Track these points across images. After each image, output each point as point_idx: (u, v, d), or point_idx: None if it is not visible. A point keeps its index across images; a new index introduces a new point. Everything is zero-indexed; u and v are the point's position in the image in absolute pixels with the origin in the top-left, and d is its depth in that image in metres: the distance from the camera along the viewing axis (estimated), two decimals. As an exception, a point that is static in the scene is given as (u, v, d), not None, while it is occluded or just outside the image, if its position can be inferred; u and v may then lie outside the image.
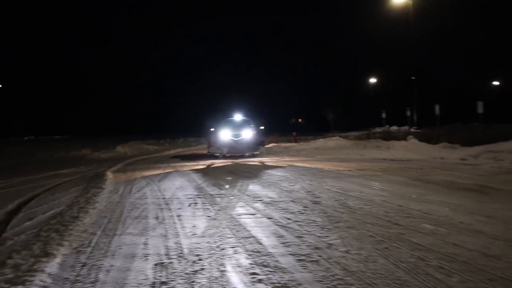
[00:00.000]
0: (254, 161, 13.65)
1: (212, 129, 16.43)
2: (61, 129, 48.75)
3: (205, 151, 17.41)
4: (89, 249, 3.71)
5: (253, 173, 9.81)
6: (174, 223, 4.79)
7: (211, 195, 6.73)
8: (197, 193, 6.95)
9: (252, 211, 5.39)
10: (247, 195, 6.60)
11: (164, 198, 6.51)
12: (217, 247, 3.66)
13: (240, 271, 2.98)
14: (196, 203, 6.01)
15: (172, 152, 20.01)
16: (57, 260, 3.32)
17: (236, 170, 10.85)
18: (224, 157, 15.15)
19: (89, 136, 39.08)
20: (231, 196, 6.53)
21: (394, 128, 31.12)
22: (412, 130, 15.90)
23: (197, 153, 18.82)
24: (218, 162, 13.63)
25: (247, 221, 4.74)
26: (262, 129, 18.24)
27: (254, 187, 7.40)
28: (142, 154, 18.17)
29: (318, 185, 7.30)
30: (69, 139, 35.55)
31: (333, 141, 18.13)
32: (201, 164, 12.88)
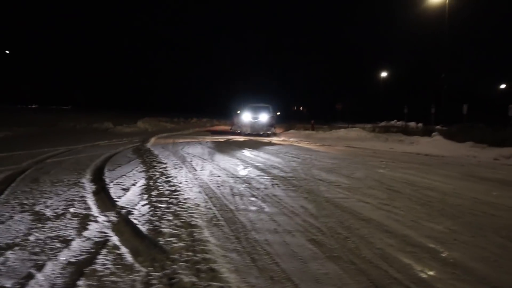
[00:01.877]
0: (266, 139, 17.10)
1: (237, 112, 21.37)
2: (65, 100, 47.94)
3: (222, 129, 22.82)
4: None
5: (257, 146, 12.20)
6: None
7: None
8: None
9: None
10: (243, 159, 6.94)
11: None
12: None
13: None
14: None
15: (191, 131, 20.13)
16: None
17: (245, 143, 14.03)
18: (244, 134, 19.51)
19: (94, 108, 38.58)
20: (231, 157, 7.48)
21: (400, 123, 31.35)
22: (438, 127, 16.09)
23: (216, 130, 23.05)
24: (236, 138, 17.25)
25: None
26: (278, 114, 23.68)
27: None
28: (162, 131, 18.22)
29: (375, 174, 7.46)
30: (75, 110, 35.04)
31: (354, 132, 18.31)
32: (222, 139, 16.24)
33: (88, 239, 3.23)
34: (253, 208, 4.56)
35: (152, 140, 13.69)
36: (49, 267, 2.63)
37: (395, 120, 32.43)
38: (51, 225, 3.55)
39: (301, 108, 48.10)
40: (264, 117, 20.07)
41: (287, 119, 27.78)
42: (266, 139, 16.69)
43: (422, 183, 6.66)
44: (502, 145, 12.68)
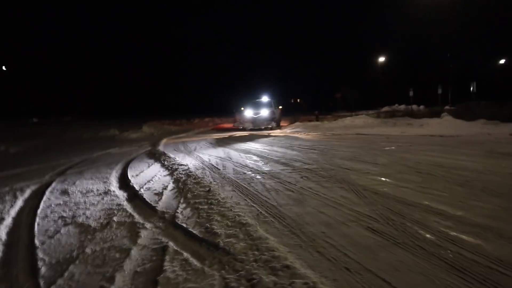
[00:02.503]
0: (265, 133, 17.47)
1: (240, 108, 21.89)
2: (63, 111, 47.63)
3: (225, 127, 23.93)
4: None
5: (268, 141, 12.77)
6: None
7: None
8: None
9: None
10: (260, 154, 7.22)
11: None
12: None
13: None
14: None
15: (196, 131, 20.13)
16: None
17: (254, 139, 14.16)
18: (246, 129, 20.16)
19: (94, 117, 38.43)
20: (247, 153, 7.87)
21: (402, 106, 31.33)
22: (447, 107, 16.00)
23: (220, 128, 24.33)
24: (241, 133, 17.92)
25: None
26: (280, 108, 23.56)
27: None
28: (168, 134, 18.12)
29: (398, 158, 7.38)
30: (74, 120, 34.88)
31: (360, 119, 18.21)
32: (228, 136, 16.70)
33: (145, 246, 3.13)
34: (294, 202, 4.47)
35: (162, 143, 13.58)
36: (119, 278, 2.53)
37: (396, 104, 32.38)
38: (101, 235, 3.46)
39: (298, 100, 47.99)
40: (265, 112, 20.74)
41: (291, 112, 27.65)
42: (273, 133, 16.59)
43: (450, 164, 6.58)
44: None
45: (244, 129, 20.37)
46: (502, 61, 40.90)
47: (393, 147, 9.33)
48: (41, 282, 2.56)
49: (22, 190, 5.74)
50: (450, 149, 8.63)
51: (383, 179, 5.59)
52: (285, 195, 4.85)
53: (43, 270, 2.75)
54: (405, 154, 8.04)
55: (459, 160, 6.93)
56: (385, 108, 30.69)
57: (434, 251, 2.87)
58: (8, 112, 41.61)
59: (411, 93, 21.42)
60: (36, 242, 3.37)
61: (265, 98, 22.76)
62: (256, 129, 20.03)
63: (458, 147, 9.02)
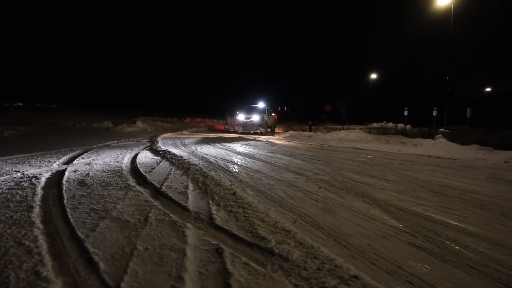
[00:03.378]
0: (248, 137, 18.45)
1: (235, 112, 23.13)
2: (49, 98, 46.51)
3: (218, 128, 24.88)
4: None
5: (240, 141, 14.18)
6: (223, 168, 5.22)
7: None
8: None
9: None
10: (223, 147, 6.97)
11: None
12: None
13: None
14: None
15: (190, 130, 20.15)
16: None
17: (232, 139, 15.62)
18: (236, 132, 21.36)
19: (78, 107, 37.72)
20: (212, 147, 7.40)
21: (390, 124, 31.92)
22: (442, 130, 16.36)
23: (213, 128, 25.38)
24: (226, 135, 19.18)
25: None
26: (275, 115, 25.22)
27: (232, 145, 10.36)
28: (163, 131, 17.98)
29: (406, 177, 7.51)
30: (60, 108, 34.19)
31: (354, 134, 18.43)
32: (211, 135, 18.38)
33: (196, 247, 3.11)
34: (323, 212, 4.51)
35: (159, 140, 13.46)
36: (188, 279, 2.51)
37: (384, 122, 32.86)
38: (146, 232, 3.41)
39: (285, 108, 48.19)
40: (256, 118, 21.88)
41: (284, 120, 27.87)
42: (271, 140, 16.63)
43: (459, 187, 6.73)
44: (508, 148, 12.94)
45: (235, 132, 21.49)
46: (488, 89, 42.18)
47: (395, 165, 9.45)
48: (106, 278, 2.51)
49: (37, 178, 5.61)
50: (452, 172, 8.80)
51: (401, 196, 5.68)
52: (311, 204, 4.89)
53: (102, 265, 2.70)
54: (410, 173, 8.16)
55: (467, 184, 7.08)
56: (374, 124, 31.13)
57: (486, 271, 2.94)
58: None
59: (405, 112, 21.82)
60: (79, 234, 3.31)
61: (260, 104, 23.67)
62: (246, 133, 21.13)
63: (460, 170, 9.20)
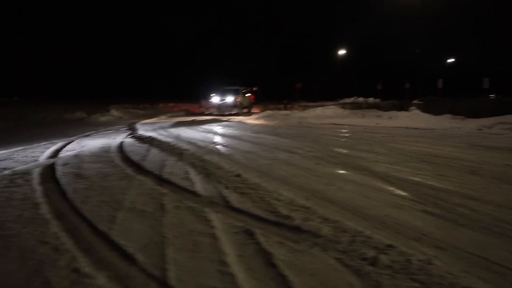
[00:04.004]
0: (226, 118, 19.35)
1: (210, 95, 23.89)
2: (7, 91, 44.35)
3: (194, 111, 24.99)
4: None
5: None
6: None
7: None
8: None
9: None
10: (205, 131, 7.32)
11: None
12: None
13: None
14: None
15: (166, 115, 19.94)
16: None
17: (206, 121, 16.76)
18: (212, 115, 21.83)
19: (42, 99, 36.30)
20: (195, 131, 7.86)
21: (361, 99, 32.54)
22: (415, 101, 16.82)
23: (189, 112, 25.61)
24: (204, 117, 20.04)
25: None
26: (251, 95, 26.17)
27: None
28: (139, 117, 17.69)
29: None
30: (23, 101, 32.86)
31: (330, 110, 18.70)
32: (188, 119, 19.07)
33: (225, 231, 3.14)
34: (330, 187, 4.62)
35: (139, 127, 13.24)
36: (232, 261, 2.54)
37: (355, 97, 33.40)
38: (168, 220, 3.43)
39: (253, 88, 48.13)
40: (230, 99, 22.62)
41: (257, 100, 27.91)
42: (251, 121, 16.64)
43: (446, 155, 7.00)
44: (477, 116, 13.45)
45: (210, 114, 21.89)
46: (450, 60, 43.46)
47: (378, 138, 9.69)
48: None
49: (29, 174, 5.46)
50: (433, 141, 9.11)
51: (396, 167, 5.85)
52: (316, 180, 4.97)
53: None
54: (395, 145, 8.40)
55: (451, 152, 7.35)
56: (345, 100, 31.58)
57: (500, 231, 3.11)
58: None
59: (379, 87, 22.23)
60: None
61: (234, 86, 24.19)
62: (221, 114, 21.69)
63: (440, 139, 9.54)
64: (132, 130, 12.29)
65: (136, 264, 2.52)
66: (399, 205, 3.89)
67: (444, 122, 13.35)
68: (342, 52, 35.17)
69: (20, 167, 5.98)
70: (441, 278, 2.26)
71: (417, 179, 5.00)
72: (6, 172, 5.64)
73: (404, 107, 16.82)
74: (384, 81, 28.65)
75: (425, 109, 15.58)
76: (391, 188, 4.55)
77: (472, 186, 4.61)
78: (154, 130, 12.53)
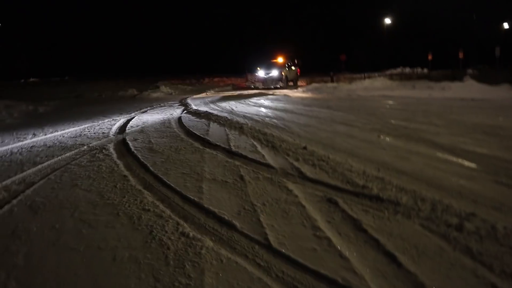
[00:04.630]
0: (272, 92, 19.12)
1: (252, 69, 24.46)
2: (58, 71, 46.26)
3: (240, 85, 25.39)
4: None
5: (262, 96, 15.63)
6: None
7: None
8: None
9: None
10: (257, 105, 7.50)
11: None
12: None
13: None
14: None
15: (214, 90, 20.30)
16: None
17: (254, 94, 16.73)
18: (257, 88, 22.00)
19: (92, 76, 37.68)
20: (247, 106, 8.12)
21: (407, 69, 31.53)
22: (470, 71, 16.18)
23: (237, 86, 25.88)
24: (251, 91, 20.02)
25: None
26: (298, 69, 25.50)
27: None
28: (188, 93, 18.12)
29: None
30: (75, 81, 34.27)
31: (379, 82, 18.36)
32: (235, 93, 19.36)
33: (308, 199, 3.33)
34: (397, 159, 4.75)
35: (191, 102, 13.64)
36: (324, 228, 2.74)
37: (401, 67, 32.42)
38: (251, 190, 3.67)
39: (295, 60, 47.68)
40: (275, 73, 22.71)
41: (305, 73, 27.75)
42: (300, 95, 16.67)
43: (509, 126, 6.89)
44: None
45: (256, 88, 22.04)
46: (506, 26, 40.89)
47: (435, 109, 9.53)
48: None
49: (105, 148, 5.84)
50: (494, 112, 8.87)
51: (460, 139, 5.83)
52: (382, 152, 5.09)
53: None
54: (454, 116, 8.26)
55: (517, 123, 7.13)
56: (391, 71, 30.74)
57: None
58: (1, 71, 40.23)
59: (430, 57, 21.48)
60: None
61: (280, 59, 24.02)
62: (267, 88, 21.85)
63: (500, 110, 9.26)
64: (185, 105, 12.69)
65: (236, 229, 2.79)
66: (471, 176, 3.95)
67: (502, 93, 12.86)
68: (387, 21, 33.91)
69: (95, 143, 6.44)
70: (530, 244, 2.37)
71: (484, 151, 5.00)
72: (85, 147, 6.10)
73: (457, 77, 16.21)
74: (433, 50, 27.54)
75: (481, 79, 14.98)
76: (459, 160, 4.60)
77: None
78: (206, 105, 12.89)
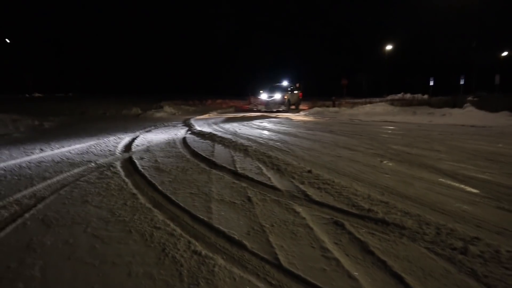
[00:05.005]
0: (274, 115, 19.52)
1: (255, 91, 25.06)
2: (62, 87, 46.87)
3: (243, 108, 25.59)
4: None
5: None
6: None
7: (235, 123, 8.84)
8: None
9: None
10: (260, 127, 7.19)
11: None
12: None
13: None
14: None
15: (217, 112, 20.52)
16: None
17: (256, 117, 17.03)
18: (260, 111, 22.15)
19: (94, 94, 38.06)
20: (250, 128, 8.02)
21: (408, 95, 31.86)
22: (470, 98, 16.43)
23: (240, 108, 26.20)
24: (254, 114, 20.61)
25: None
26: (300, 93, 26.35)
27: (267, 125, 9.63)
28: (191, 114, 18.30)
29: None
30: (78, 97, 34.60)
31: (380, 107, 18.58)
32: (238, 115, 19.64)
33: (315, 221, 3.42)
34: (400, 183, 4.84)
35: (194, 123, 13.79)
36: (332, 249, 2.82)
37: (402, 93, 32.76)
38: (259, 211, 3.76)
39: (296, 84, 48.39)
40: (278, 96, 22.96)
41: (306, 97, 28.13)
42: (302, 118, 16.86)
43: (509, 153, 7.02)
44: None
45: (258, 111, 22.17)
46: (504, 54, 41.56)
47: (435, 135, 9.68)
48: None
49: (113, 166, 5.95)
50: (494, 139, 9.01)
51: (461, 165, 5.94)
52: (385, 177, 5.18)
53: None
54: (455, 143, 8.40)
55: (515, 150, 7.27)
56: (391, 96, 31.07)
57: None
58: (7, 85, 40.73)
59: (431, 82, 21.80)
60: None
61: (284, 83, 24.69)
62: (269, 111, 22.08)
63: (500, 137, 9.40)
64: (188, 126, 12.85)
65: (246, 249, 2.87)
66: (473, 201, 4.05)
67: (501, 119, 13.05)
68: (389, 47, 34.51)
69: (102, 160, 6.55)
70: (532, 268, 2.46)
71: (486, 177, 5.11)
72: (93, 164, 6.20)
73: (457, 104, 16.45)
74: (434, 76, 27.95)
75: (480, 106, 15.22)
76: (461, 185, 4.70)
77: (545, 185, 4.66)
78: (209, 126, 13.05)
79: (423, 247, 2.79)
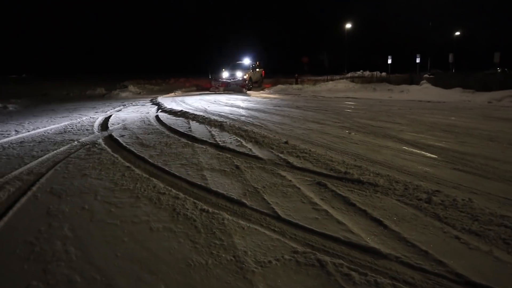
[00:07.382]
0: (247, 94, 19.91)
1: (217, 70, 23.81)
2: (14, 68, 44.71)
3: (206, 86, 24.41)
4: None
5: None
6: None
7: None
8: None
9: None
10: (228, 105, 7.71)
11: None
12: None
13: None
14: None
15: (181, 90, 20.66)
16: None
17: (222, 94, 18.06)
18: (224, 90, 21.72)
19: (52, 76, 36.77)
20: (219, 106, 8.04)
21: (367, 73, 33.01)
22: (426, 75, 17.47)
23: (203, 87, 25.60)
24: (215, 92, 21.42)
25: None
26: (262, 70, 26.15)
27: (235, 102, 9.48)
28: (156, 92, 18.38)
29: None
30: (34, 79, 33.36)
31: (341, 84, 19.34)
32: (197, 94, 19.44)
33: (300, 183, 3.93)
34: (369, 151, 5.42)
35: (162, 101, 13.97)
36: (321, 204, 3.36)
37: (361, 71, 33.83)
38: (249, 176, 4.19)
39: (257, 62, 48.45)
40: (239, 74, 22.44)
41: (269, 75, 28.45)
42: (267, 95, 17.32)
43: (463, 125, 7.76)
44: (487, 90, 14.12)
45: (222, 90, 21.87)
46: (457, 33, 43.65)
47: (396, 110, 10.45)
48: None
49: (96, 143, 6.19)
50: (449, 113, 9.87)
51: (421, 135, 6.64)
52: (355, 146, 5.77)
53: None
54: (414, 116, 9.16)
55: (467, 123, 8.12)
56: (351, 74, 32.06)
57: (524, 183, 3.91)
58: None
59: (389, 61, 22.77)
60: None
61: (246, 61, 24.14)
62: (230, 92, 21.61)
63: (454, 111, 10.28)
64: (157, 105, 13.02)
65: (246, 206, 3.33)
66: (433, 164, 4.69)
67: (455, 95, 14.04)
68: (349, 26, 35.38)
69: (84, 139, 6.77)
70: (481, 210, 3.08)
71: (443, 145, 5.80)
72: (76, 143, 6.42)
73: (414, 81, 17.43)
74: (392, 54, 29.03)
75: (436, 83, 16.22)
76: (422, 152, 5.35)
77: (492, 150, 5.41)
78: (178, 104, 13.27)
79: (395, 199, 3.35)
